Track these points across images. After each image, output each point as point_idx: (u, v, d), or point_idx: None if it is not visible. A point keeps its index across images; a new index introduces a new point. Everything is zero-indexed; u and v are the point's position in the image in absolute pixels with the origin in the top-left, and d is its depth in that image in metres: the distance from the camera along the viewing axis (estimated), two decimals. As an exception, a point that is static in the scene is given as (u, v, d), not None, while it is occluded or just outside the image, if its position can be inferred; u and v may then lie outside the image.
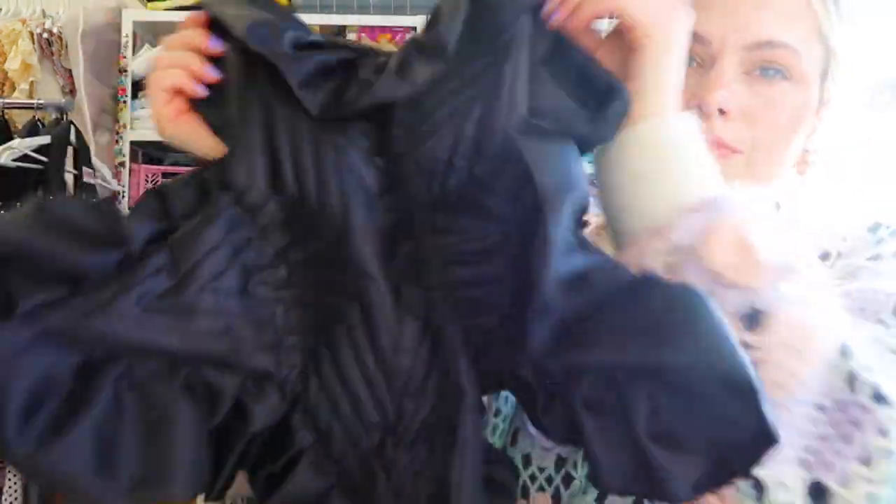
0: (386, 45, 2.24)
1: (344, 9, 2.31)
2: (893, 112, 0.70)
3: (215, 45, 0.53)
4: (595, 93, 0.48)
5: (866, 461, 0.42)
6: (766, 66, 0.62)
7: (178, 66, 0.53)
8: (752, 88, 0.62)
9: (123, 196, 2.35)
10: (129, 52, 2.27)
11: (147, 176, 2.42)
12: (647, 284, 0.44)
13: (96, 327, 0.46)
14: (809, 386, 0.43)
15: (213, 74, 0.53)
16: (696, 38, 0.61)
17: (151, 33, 2.37)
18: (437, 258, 0.50)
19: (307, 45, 0.51)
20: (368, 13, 2.31)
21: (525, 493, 0.64)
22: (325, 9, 2.30)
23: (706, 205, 0.46)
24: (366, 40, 2.24)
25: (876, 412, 0.42)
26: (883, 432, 0.42)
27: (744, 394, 0.40)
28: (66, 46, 2.48)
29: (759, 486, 0.43)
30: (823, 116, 0.67)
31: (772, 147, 0.64)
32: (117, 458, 0.45)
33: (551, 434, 0.47)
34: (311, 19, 2.26)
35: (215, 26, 0.53)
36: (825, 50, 0.64)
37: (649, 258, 0.47)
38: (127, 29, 2.27)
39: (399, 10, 2.34)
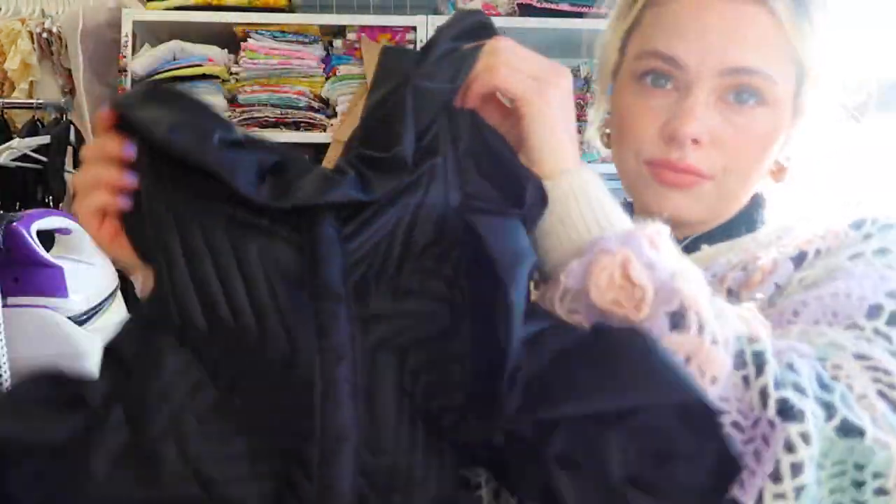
0: (385, 45, 2.25)
1: (344, 9, 2.30)
2: (870, 117, 0.70)
3: (131, 151, 0.50)
4: (512, 182, 0.51)
5: (776, 477, 0.43)
6: (740, 91, 0.63)
7: (97, 185, 0.51)
8: (725, 115, 0.64)
9: (123, 196, 2.35)
10: (128, 52, 2.26)
11: (147, 176, 2.42)
12: (595, 336, 0.46)
13: (72, 498, 0.47)
14: (730, 403, 0.45)
15: (132, 181, 0.51)
16: (672, 62, 0.64)
17: (151, 33, 2.37)
18: (388, 344, 0.48)
19: (231, 143, 0.49)
20: (368, 13, 2.31)
21: None
22: (325, 9, 2.30)
23: (587, 247, 0.49)
24: (366, 40, 2.24)
25: (782, 428, 0.43)
26: (790, 448, 0.43)
27: (703, 427, 0.41)
28: (66, 46, 2.48)
29: None
30: (797, 125, 0.68)
31: (743, 172, 0.66)
32: None
33: (528, 500, 0.47)
34: (312, 19, 2.26)
35: (128, 126, 0.50)
36: (798, 67, 0.65)
37: (549, 303, 0.50)
38: (127, 29, 2.27)
39: (399, 10, 2.33)
